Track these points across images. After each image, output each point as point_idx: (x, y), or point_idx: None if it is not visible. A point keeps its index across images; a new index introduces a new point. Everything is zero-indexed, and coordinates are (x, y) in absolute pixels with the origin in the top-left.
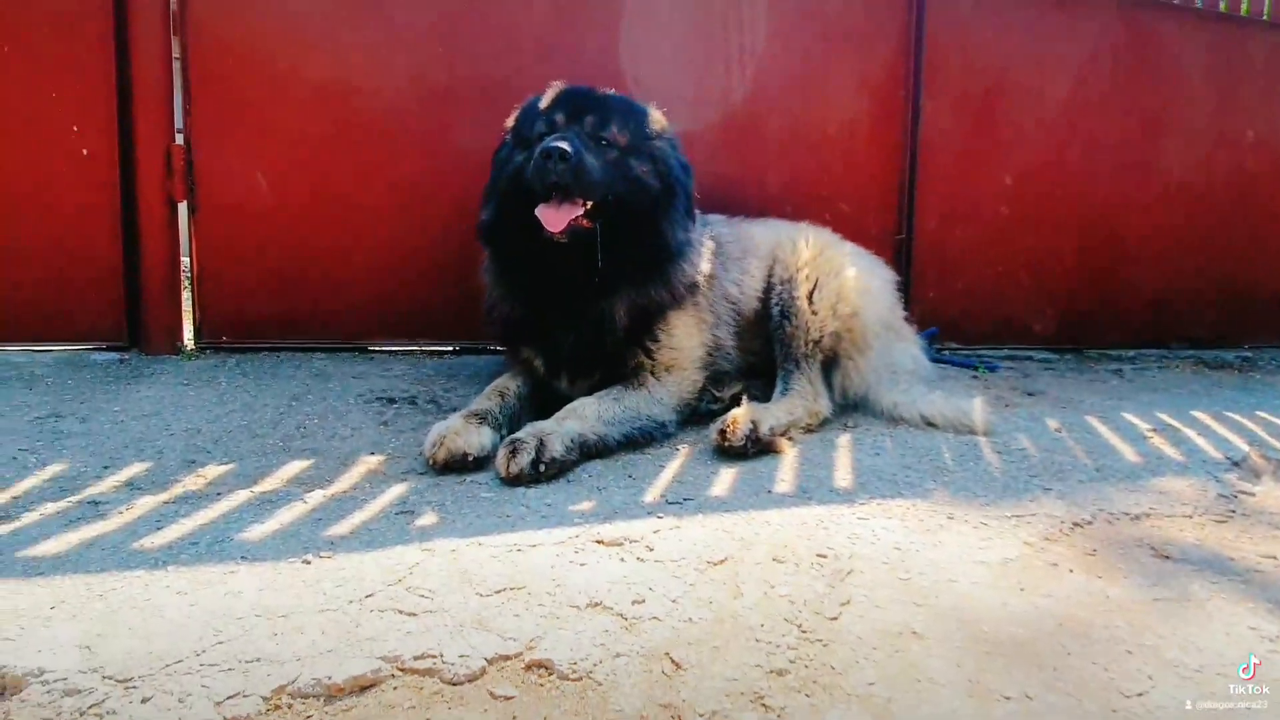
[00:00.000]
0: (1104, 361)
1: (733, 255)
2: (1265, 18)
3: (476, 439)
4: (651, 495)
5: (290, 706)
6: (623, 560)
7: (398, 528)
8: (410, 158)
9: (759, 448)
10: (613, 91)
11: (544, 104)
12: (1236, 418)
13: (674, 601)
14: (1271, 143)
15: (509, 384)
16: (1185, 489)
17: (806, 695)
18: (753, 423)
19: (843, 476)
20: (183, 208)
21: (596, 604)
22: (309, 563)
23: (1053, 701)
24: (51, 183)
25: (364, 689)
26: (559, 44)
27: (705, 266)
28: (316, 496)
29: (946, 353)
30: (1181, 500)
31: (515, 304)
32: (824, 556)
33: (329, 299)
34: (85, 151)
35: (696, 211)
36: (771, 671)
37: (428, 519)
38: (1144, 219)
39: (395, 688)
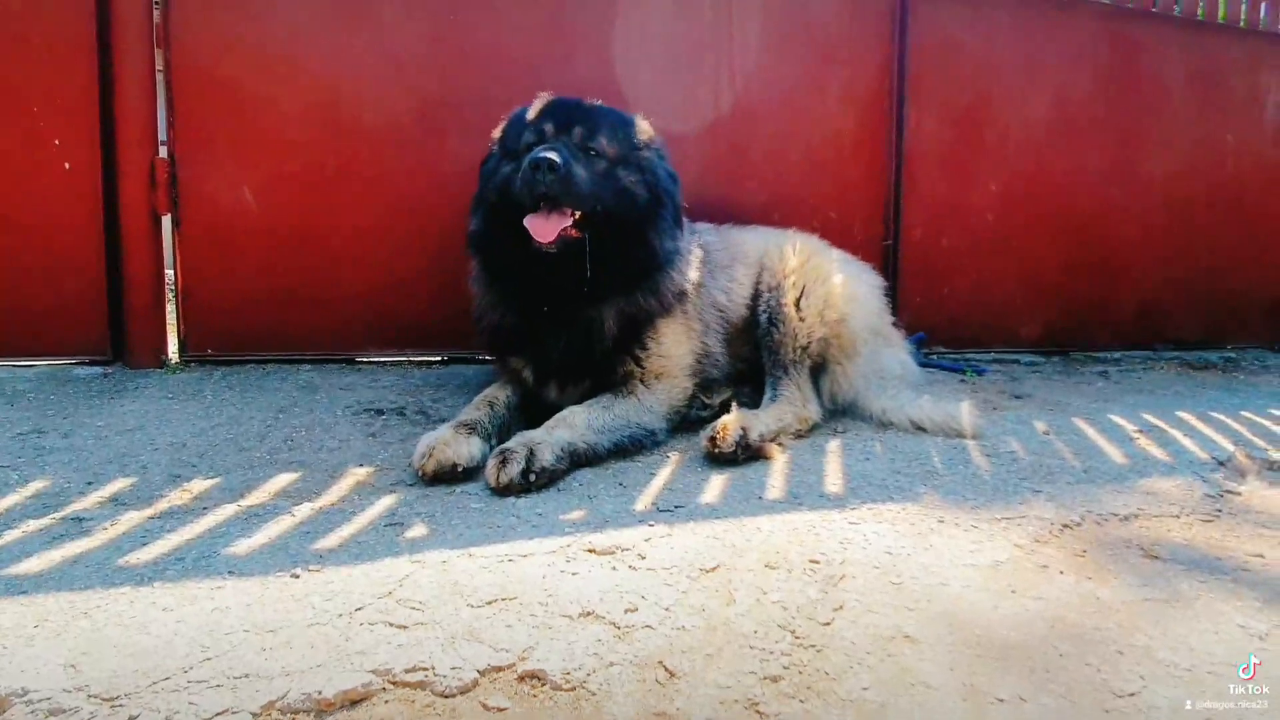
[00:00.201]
0: (1090, 364)
1: (721, 263)
2: (1243, 24)
3: (466, 449)
4: (643, 503)
5: None
6: (614, 569)
7: (387, 540)
8: (399, 169)
9: (749, 454)
10: (600, 102)
11: (532, 115)
12: (1221, 418)
13: (667, 609)
14: (1251, 146)
15: (498, 394)
16: (1172, 489)
17: (801, 701)
18: (743, 429)
19: (833, 482)
20: (167, 221)
21: (589, 613)
22: (297, 576)
23: (1046, 703)
24: (32, 196)
25: (355, 703)
26: (548, 58)
27: (694, 275)
28: (304, 509)
29: (934, 357)
30: (1169, 500)
31: (504, 313)
32: (816, 562)
33: (316, 310)
34: (67, 165)
35: (685, 220)
36: (765, 678)
37: (417, 530)
38: (1128, 223)
39: (387, 701)
